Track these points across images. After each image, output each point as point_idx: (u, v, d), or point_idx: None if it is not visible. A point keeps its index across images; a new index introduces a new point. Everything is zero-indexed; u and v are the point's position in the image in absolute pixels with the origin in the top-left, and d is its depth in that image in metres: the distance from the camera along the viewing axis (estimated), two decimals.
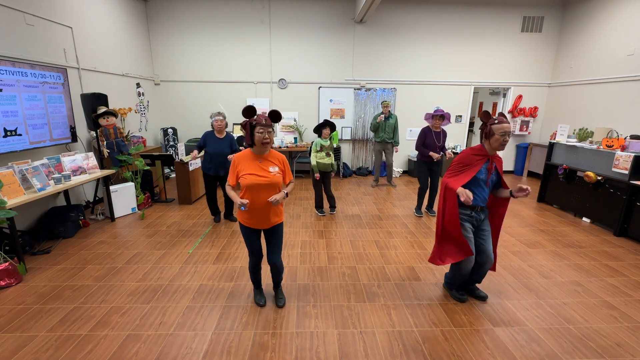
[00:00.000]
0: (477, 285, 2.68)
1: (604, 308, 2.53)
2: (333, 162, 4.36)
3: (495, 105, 7.47)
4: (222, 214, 4.44)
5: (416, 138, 4.60)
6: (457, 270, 2.50)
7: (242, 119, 6.88)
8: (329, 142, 4.29)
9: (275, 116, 2.10)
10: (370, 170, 7.20)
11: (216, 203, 4.28)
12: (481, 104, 7.97)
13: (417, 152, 4.45)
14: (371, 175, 7.04)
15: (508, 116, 7.13)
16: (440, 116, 4.20)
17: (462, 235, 2.34)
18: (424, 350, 2.07)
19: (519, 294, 2.70)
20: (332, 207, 4.65)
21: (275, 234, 2.30)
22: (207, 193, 4.20)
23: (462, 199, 2.14)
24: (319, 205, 4.57)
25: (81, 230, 3.92)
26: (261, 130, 2.07)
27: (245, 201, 2.06)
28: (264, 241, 2.67)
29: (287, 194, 2.19)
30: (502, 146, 2.23)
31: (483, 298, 2.61)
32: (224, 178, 4.04)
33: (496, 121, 2.23)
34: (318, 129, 4.25)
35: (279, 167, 2.19)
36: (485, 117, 2.30)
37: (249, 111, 2.08)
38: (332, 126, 4.21)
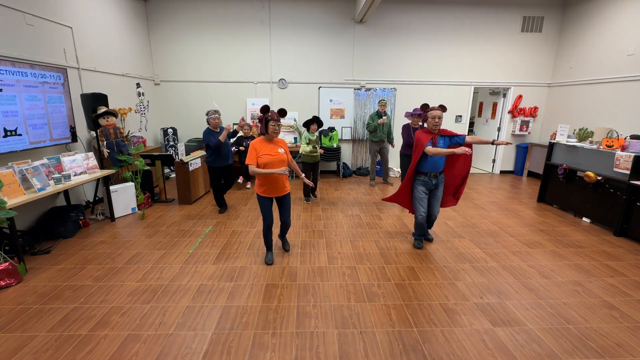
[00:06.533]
0: (429, 231, 3.77)
1: (604, 308, 2.53)
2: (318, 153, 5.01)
3: (495, 105, 7.47)
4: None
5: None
6: (415, 223, 3.43)
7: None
8: (315, 136, 4.90)
9: (282, 112, 2.89)
10: None
11: (223, 195, 4.66)
12: (481, 104, 7.97)
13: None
14: None
15: (508, 116, 7.19)
16: (419, 115, 4.85)
17: (409, 193, 3.46)
18: (424, 350, 2.07)
19: (519, 294, 2.70)
20: (313, 194, 5.28)
21: (285, 200, 3.10)
22: (214, 187, 4.50)
23: (461, 152, 2.97)
24: (306, 194, 5.13)
25: (81, 230, 3.92)
26: (273, 124, 2.84)
27: (286, 168, 2.85)
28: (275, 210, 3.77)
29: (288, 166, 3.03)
30: (435, 127, 3.15)
31: (430, 240, 3.68)
32: (229, 168, 4.50)
33: (429, 110, 3.20)
34: (307, 125, 4.86)
35: (284, 149, 2.99)
36: (424, 108, 3.29)
37: (265, 109, 2.83)
38: (319, 123, 4.92)
